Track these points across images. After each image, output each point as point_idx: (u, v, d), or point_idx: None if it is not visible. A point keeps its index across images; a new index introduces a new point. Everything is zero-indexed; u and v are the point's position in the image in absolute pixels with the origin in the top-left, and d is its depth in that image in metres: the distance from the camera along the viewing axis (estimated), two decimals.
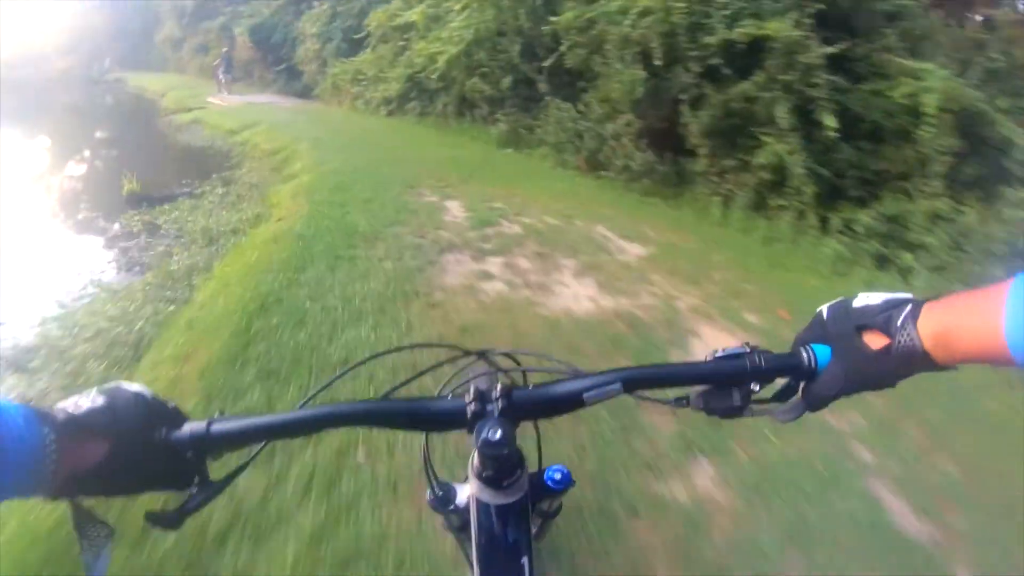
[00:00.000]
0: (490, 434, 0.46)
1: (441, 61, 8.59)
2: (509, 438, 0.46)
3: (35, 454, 0.37)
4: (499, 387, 0.49)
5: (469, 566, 0.55)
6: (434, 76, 9.02)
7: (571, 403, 0.49)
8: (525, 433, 0.53)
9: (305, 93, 15.15)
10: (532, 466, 0.62)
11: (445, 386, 0.64)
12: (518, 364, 0.65)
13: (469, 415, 0.47)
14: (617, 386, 0.48)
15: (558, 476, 0.71)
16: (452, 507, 0.67)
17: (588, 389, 0.48)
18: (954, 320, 0.43)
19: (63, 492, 0.40)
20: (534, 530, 0.67)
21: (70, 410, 0.41)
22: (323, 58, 14.14)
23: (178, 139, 10.14)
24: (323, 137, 8.37)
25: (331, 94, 13.78)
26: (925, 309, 0.45)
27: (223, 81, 15.45)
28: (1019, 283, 0.38)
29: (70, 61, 25.74)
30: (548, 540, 0.94)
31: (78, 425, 0.40)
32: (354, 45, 12.58)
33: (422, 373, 0.60)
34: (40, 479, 0.37)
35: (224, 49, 16.73)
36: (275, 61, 16.28)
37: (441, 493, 0.68)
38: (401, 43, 10.54)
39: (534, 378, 0.58)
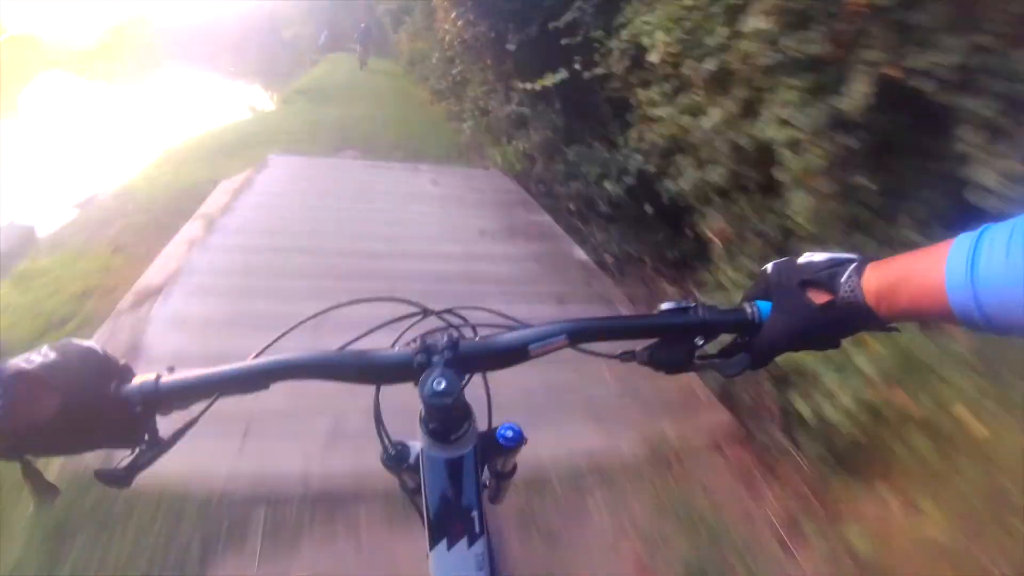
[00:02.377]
0: (435, 384, 0.45)
1: None
2: (454, 388, 0.46)
3: None
4: (445, 338, 0.49)
5: (423, 525, 0.55)
6: None
7: (516, 355, 0.49)
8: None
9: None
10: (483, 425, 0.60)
11: (397, 341, 0.58)
12: (465, 320, 0.63)
13: (415, 365, 0.47)
14: (562, 338, 0.49)
15: (509, 433, 0.65)
16: (406, 465, 0.62)
17: (533, 340, 0.49)
18: (897, 277, 0.42)
19: (12, 450, 0.40)
20: (487, 490, 0.69)
21: (23, 365, 0.40)
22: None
23: None
24: None
25: None
26: (869, 268, 0.45)
27: (362, 60, 13.13)
28: (960, 241, 0.39)
29: (295, 31, 21.92)
30: (505, 504, 0.83)
31: (28, 379, 0.39)
32: None
33: (371, 331, 0.61)
34: None
35: (362, 24, 13.46)
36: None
37: (394, 452, 0.63)
38: None
39: (485, 334, 0.57)
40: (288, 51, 20.07)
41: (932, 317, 0.41)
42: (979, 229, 0.38)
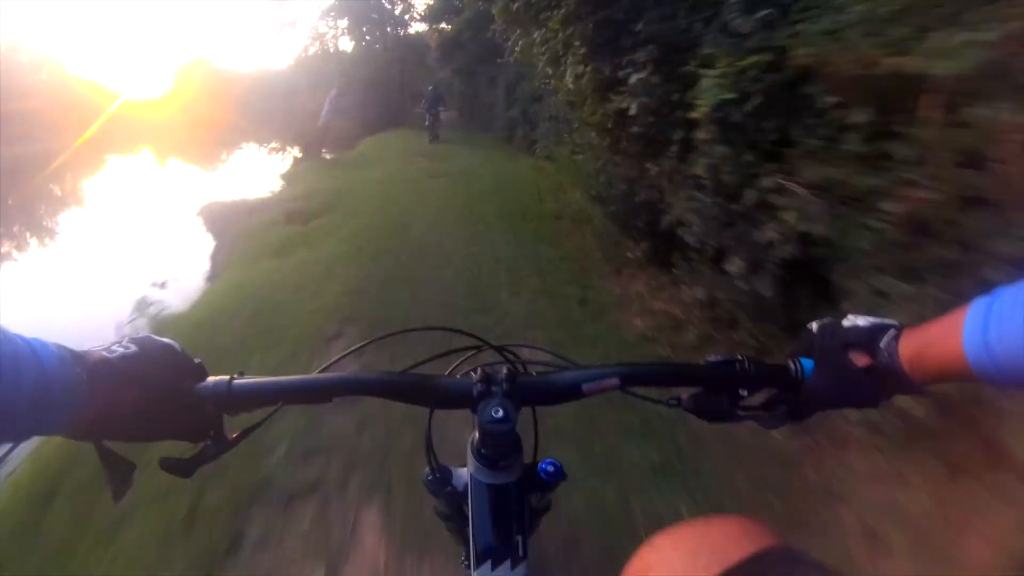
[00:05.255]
0: (493, 412, 0.48)
1: None
2: (511, 417, 0.48)
3: (69, 393, 0.37)
4: (504, 370, 0.51)
5: (462, 547, 0.60)
6: None
7: (570, 392, 0.51)
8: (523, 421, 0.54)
9: None
10: (528, 458, 0.62)
11: (454, 369, 0.64)
12: (517, 356, 0.64)
13: (475, 394, 0.50)
14: (615, 380, 0.50)
15: (551, 469, 0.68)
16: (449, 488, 0.67)
17: (587, 380, 0.50)
18: (924, 342, 0.44)
19: (90, 433, 0.41)
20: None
21: (105, 354, 0.41)
22: None
23: None
24: None
25: None
26: (905, 333, 0.46)
27: (431, 132, 10.89)
28: (976, 306, 0.40)
29: (301, 99, 19.52)
30: (537, 538, 0.81)
31: (111, 369, 0.41)
32: None
33: (433, 358, 0.63)
34: (71, 418, 0.38)
35: (430, 87, 11.42)
36: None
37: (439, 475, 0.68)
38: None
39: (539, 371, 0.59)
40: (287, 132, 17.18)
41: (956, 378, 0.41)
42: (992, 292, 0.39)
